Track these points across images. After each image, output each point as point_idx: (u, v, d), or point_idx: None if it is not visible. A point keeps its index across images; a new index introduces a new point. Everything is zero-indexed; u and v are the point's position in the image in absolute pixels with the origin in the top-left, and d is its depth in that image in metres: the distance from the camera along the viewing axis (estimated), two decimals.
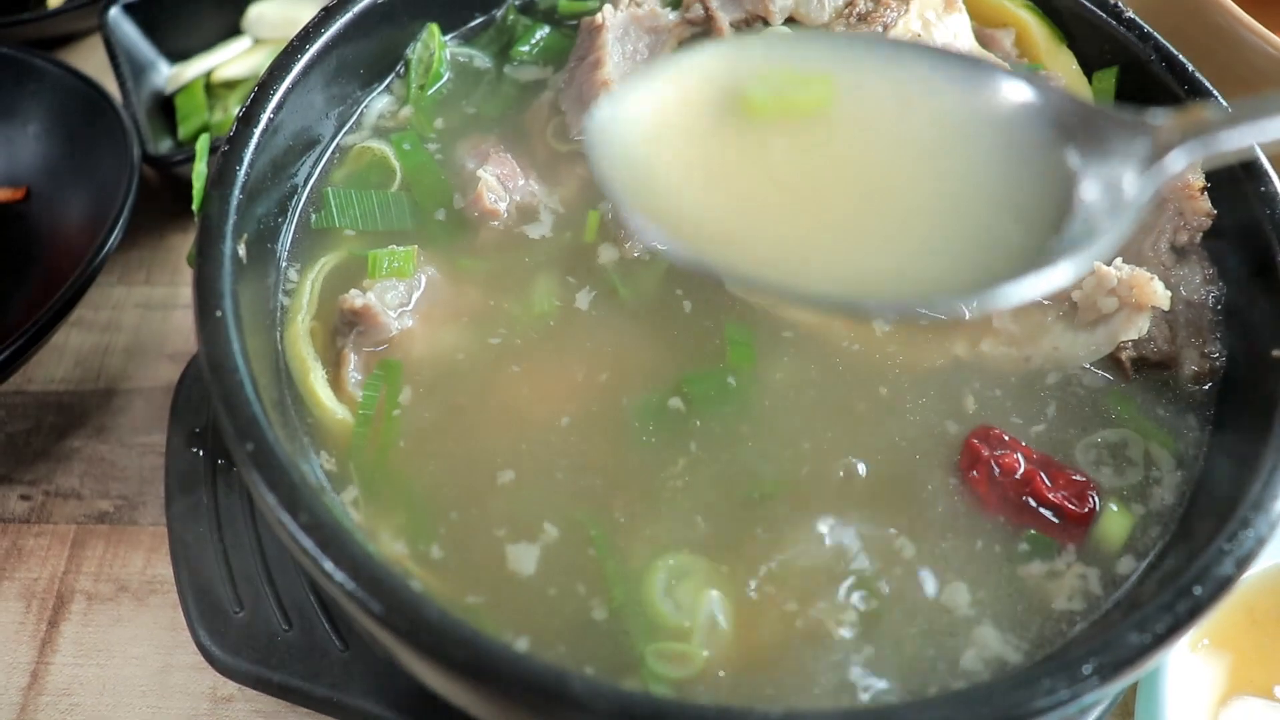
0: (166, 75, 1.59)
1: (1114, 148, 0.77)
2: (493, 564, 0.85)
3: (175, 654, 1.14)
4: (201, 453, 1.14)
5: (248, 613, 1.03)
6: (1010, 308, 0.98)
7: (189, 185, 1.48)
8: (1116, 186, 0.75)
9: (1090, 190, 0.76)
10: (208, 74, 1.58)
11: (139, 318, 1.45)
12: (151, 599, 1.19)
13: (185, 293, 1.47)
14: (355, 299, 0.93)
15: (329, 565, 0.73)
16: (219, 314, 0.84)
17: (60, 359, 1.40)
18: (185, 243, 1.53)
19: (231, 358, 0.81)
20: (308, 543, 0.73)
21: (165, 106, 1.58)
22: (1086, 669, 0.71)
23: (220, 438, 1.15)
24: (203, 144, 0.93)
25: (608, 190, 0.76)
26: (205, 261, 0.87)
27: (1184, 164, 0.74)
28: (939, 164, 0.78)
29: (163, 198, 1.53)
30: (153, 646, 1.15)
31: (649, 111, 0.80)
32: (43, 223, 1.46)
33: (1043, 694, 0.70)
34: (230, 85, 1.57)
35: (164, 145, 1.50)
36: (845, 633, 0.83)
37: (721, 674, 0.81)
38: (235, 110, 1.51)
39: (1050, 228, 0.75)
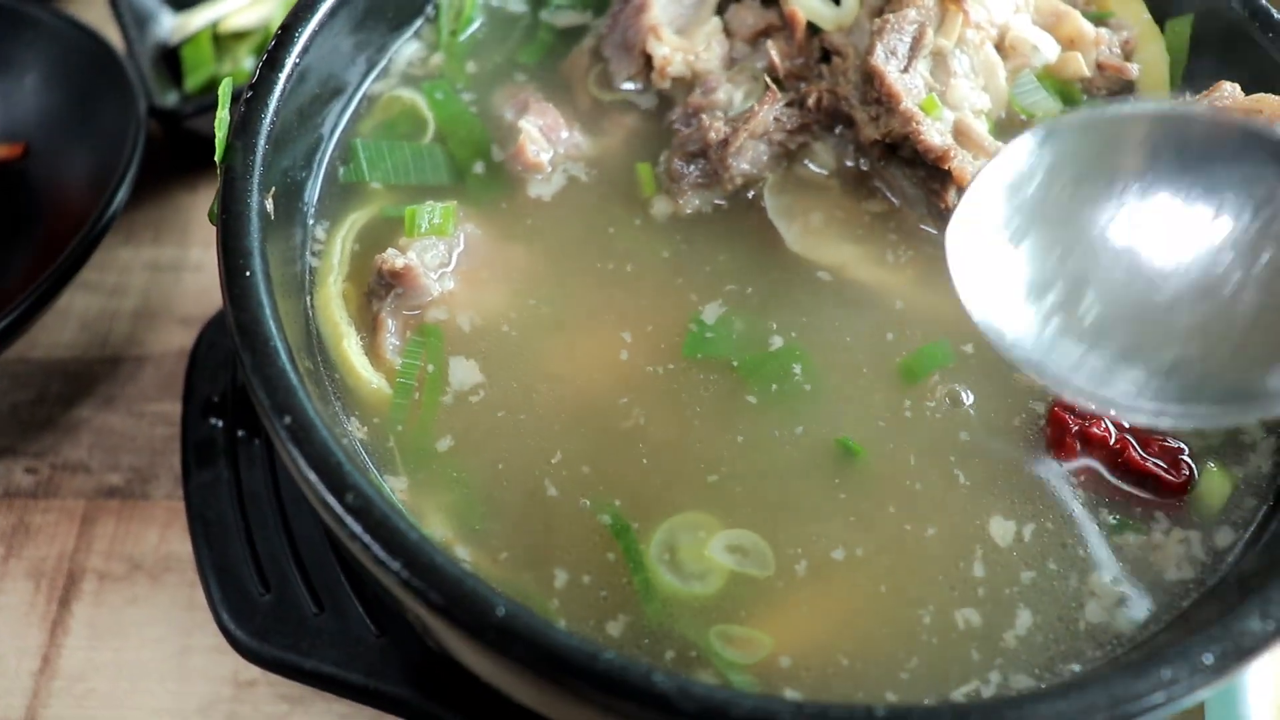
0: (170, 25, 1.50)
1: None
2: (544, 548, 0.79)
3: (194, 635, 1.08)
4: (220, 423, 1.07)
5: (274, 595, 0.97)
6: None
7: (196, 140, 1.42)
8: None
9: None
10: (214, 24, 1.48)
11: (147, 280, 1.37)
12: (167, 577, 1.12)
13: (195, 254, 1.40)
14: (395, 259, 0.86)
15: (381, 551, 0.66)
16: (248, 274, 0.77)
17: (65, 324, 1.32)
18: (193, 201, 1.45)
19: (264, 323, 0.74)
20: (356, 527, 0.67)
21: (169, 58, 1.49)
22: (1207, 658, 0.66)
23: (240, 408, 1.08)
24: (225, 89, 0.85)
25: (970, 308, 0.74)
26: (231, 217, 0.80)
27: None
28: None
29: (168, 153, 1.45)
30: (170, 628, 1.09)
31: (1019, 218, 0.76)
32: (42, 181, 1.37)
33: (1163, 686, 0.64)
34: (239, 35, 1.47)
35: (169, 98, 1.41)
36: (940, 615, 0.77)
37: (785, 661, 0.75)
38: (247, 61, 1.43)
39: None
